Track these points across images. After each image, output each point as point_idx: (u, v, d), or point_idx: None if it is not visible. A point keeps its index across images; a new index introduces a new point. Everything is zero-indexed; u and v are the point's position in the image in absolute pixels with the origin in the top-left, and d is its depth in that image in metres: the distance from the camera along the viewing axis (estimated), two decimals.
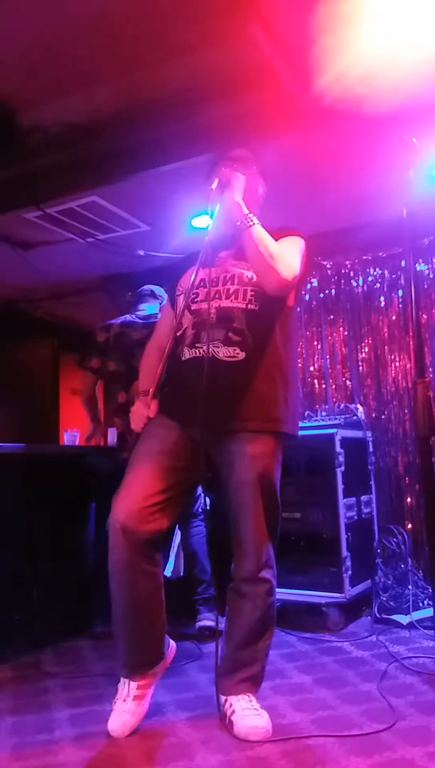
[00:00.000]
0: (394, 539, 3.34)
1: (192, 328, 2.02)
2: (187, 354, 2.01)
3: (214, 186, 1.97)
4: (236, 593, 2.00)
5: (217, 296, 2.01)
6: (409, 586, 3.08)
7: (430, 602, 2.97)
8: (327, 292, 4.06)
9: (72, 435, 3.62)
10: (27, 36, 2.21)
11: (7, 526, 2.75)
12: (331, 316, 4.04)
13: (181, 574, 3.09)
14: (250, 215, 1.95)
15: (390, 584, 3.16)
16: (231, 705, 1.90)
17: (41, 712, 2.08)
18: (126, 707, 1.90)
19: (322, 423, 3.42)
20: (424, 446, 2.07)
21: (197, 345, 1.99)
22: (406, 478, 3.65)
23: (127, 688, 1.93)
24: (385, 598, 3.09)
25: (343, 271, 4.02)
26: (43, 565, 2.88)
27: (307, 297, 4.12)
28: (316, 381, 4.04)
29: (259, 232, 1.95)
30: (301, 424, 3.54)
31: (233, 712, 1.87)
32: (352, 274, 4.00)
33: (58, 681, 2.37)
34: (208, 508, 3.03)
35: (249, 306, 2.00)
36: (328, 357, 4.01)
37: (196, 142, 2.69)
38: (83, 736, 1.88)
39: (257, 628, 1.97)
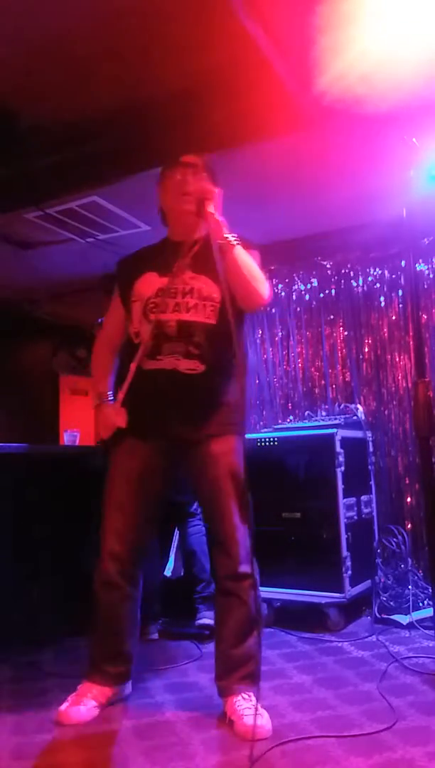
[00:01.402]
0: (394, 539, 3.34)
1: (152, 339, 2.04)
2: (147, 365, 2.05)
3: (209, 208, 1.99)
4: (221, 592, 2.05)
5: (177, 309, 2.04)
6: (409, 586, 3.08)
7: (430, 602, 2.97)
8: (327, 292, 4.07)
9: (72, 435, 3.62)
10: (27, 36, 2.21)
11: (7, 526, 2.75)
12: (331, 316, 4.04)
13: (181, 574, 3.10)
14: (230, 235, 2.00)
15: (390, 584, 3.17)
16: (231, 705, 1.91)
17: (41, 712, 2.08)
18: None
19: (322, 423, 3.42)
20: (424, 446, 2.07)
21: (158, 357, 2.03)
22: (406, 478, 3.65)
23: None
24: (385, 598, 3.09)
25: (343, 271, 4.02)
26: (43, 565, 2.88)
27: (307, 297, 4.12)
28: (316, 381, 4.05)
29: (243, 254, 2.01)
30: (300, 424, 3.57)
31: (233, 711, 1.88)
32: (352, 274, 4.00)
33: (58, 681, 2.37)
34: None
35: (209, 321, 2.05)
36: (328, 357, 4.01)
37: (196, 141, 2.69)
38: (83, 736, 1.88)
39: (247, 624, 2.00)
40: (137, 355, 2.04)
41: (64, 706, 2.02)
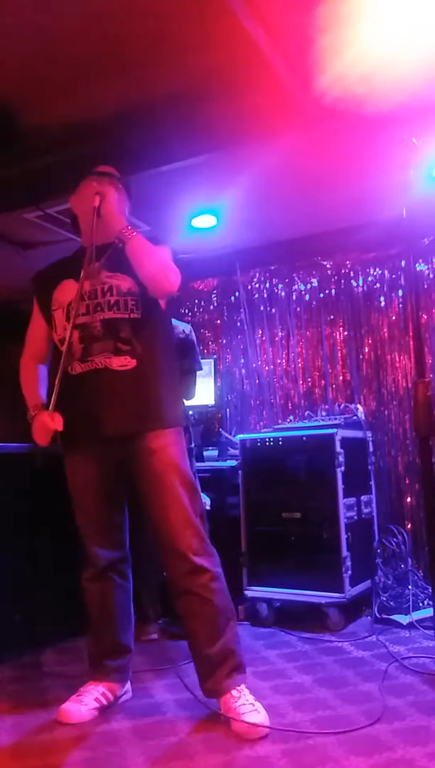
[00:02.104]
0: (394, 539, 3.34)
1: (79, 342, 2.06)
2: (78, 368, 2.07)
3: (96, 203, 2.04)
4: (180, 594, 2.00)
5: (99, 308, 2.06)
6: (409, 586, 3.08)
7: (430, 602, 2.97)
8: (327, 292, 4.06)
9: None
10: (27, 36, 2.21)
11: (8, 526, 2.75)
12: (331, 316, 4.04)
13: None
14: (129, 226, 2.05)
15: (390, 584, 3.16)
16: (225, 703, 1.90)
17: (41, 712, 2.08)
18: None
19: (322, 423, 3.42)
20: (424, 446, 2.07)
21: (89, 359, 2.05)
22: (406, 478, 3.65)
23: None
24: (385, 598, 3.09)
25: (343, 271, 4.02)
26: (43, 565, 2.88)
27: (307, 297, 4.12)
28: (316, 381, 4.05)
29: (143, 241, 2.05)
30: (300, 424, 3.58)
31: (229, 710, 1.87)
32: (352, 274, 4.00)
33: (58, 681, 2.37)
34: (208, 508, 3.03)
35: (132, 315, 2.07)
36: (328, 357, 4.01)
37: (196, 142, 2.69)
38: (83, 737, 1.88)
39: (217, 621, 1.96)
40: (63, 360, 2.05)
41: (64, 705, 2.03)
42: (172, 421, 2.09)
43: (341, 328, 4.01)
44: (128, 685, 2.20)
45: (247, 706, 1.86)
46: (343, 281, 4.02)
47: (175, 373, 2.21)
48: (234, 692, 1.91)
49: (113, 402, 2.02)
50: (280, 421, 3.99)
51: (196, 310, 4.49)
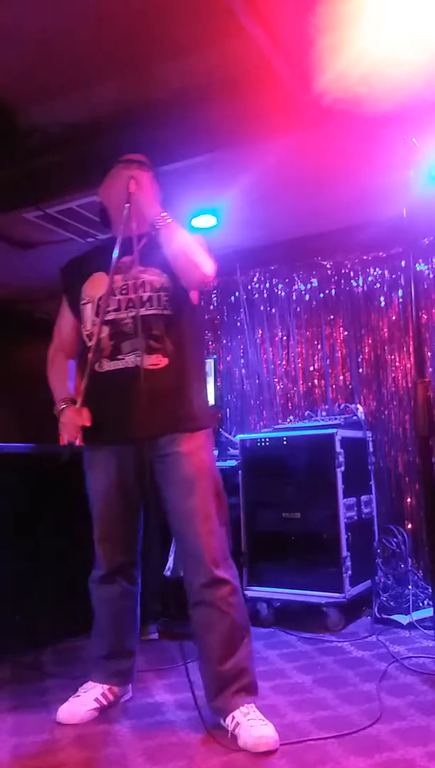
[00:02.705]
0: (394, 539, 3.34)
1: (109, 339, 2.00)
2: (107, 366, 2.01)
3: (132, 188, 1.98)
4: (198, 604, 1.93)
5: (131, 305, 2.00)
6: (409, 586, 3.08)
7: (430, 602, 2.97)
8: (327, 292, 4.06)
9: None
10: (27, 36, 2.21)
11: (8, 526, 2.75)
12: (331, 316, 4.04)
13: (181, 573, 3.09)
14: (164, 213, 1.98)
15: (390, 584, 3.16)
16: (233, 719, 1.81)
17: (41, 712, 2.08)
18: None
19: (322, 423, 3.42)
20: (424, 446, 2.07)
21: (119, 357, 1.99)
22: (406, 478, 3.65)
23: None
24: (385, 598, 3.09)
25: (343, 271, 4.02)
26: (43, 565, 2.88)
27: (307, 297, 4.12)
28: (316, 381, 4.04)
29: (179, 227, 1.98)
30: (300, 424, 3.58)
31: (237, 724, 1.78)
32: (352, 274, 4.00)
33: (58, 681, 2.37)
34: None
35: (165, 312, 2.01)
36: (328, 357, 4.01)
37: (196, 142, 2.69)
38: (83, 736, 1.88)
39: (232, 636, 1.89)
40: (91, 357, 1.99)
41: (64, 706, 2.02)
42: (204, 422, 2.04)
43: (341, 328, 4.01)
44: (129, 687, 2.19)
45: (256, 720, 1.79)
46: (343, 281, 4.02)
47: (205, 372, 2.15)
48: (243, 708, 1.82)
49: (144, 402, 1.94)
50: (280, 421, 3.99)
51: None
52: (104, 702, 2.06)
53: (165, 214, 1.98)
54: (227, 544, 1.98)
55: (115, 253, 1.99)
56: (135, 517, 2.13)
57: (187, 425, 1.99)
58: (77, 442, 2.05)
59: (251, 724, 1.77)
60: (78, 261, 2.25)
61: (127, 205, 1.98)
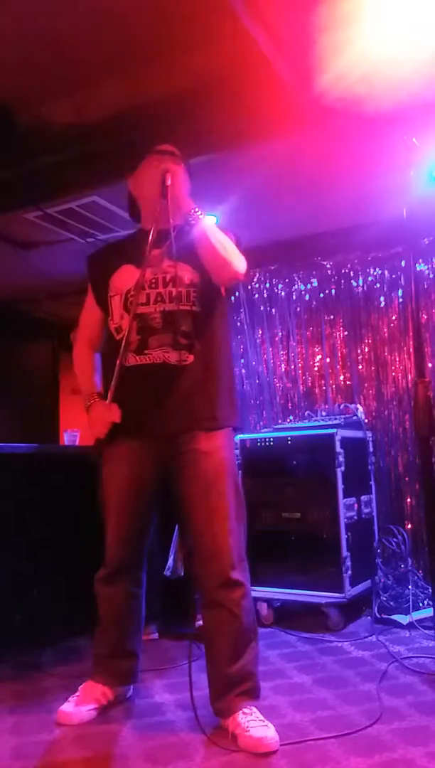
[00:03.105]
0: (394, 539, 3.34)
1: (137, 334, 1.98)
2: (133, 361, 1.99)
3: (168, 182, 1.95)
4: (210, 604, 1.93)
5: (160, 299, 1.98)
6: (409, 586, 3.08)
7: (430, 602, 2.97)
8: (327, 292, 4.06)
9: (72, 435, 3.61)
10: (27, 36, 2.21)
11: (8, 526, 2.75)
12: (331, 316, 4.04)
13: (181, 573, 3.09)
14: (197, 208, 1.96)
15: (390, 584, 3.17)
16: (233, 721, 1.81)
17: (41, 712, 2.08)
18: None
19: (322, 423, 3.42)
20: (424, 446, 2.07)
21: (146, 352, 1.97)
22: (406, 478, 3.65)
23: None
24: (385, 598, 3.09)
25: (343, 271, 4.02)
26: (43, 565, 2.88)
27: (307, 297, 4.12)
28: (316, 381, 4.05)
29: (212, 226, 1.96)
30: (300, 424, 3.58)
31: (237, 725, 1.79)
32: (352, 274, 4.00)
33: (58, 681, 2.37)
34: None
35: (193, 308, 1.99)
36: (328, 357, 4.01)
37: (196, 142, 2.69)
38: (83, 736, 1.88)
39: (241, 639, 1.89)
40: (121, 351, 1.97)
41: (64, 706, 2.01)
42: (226, 420, 2.02)
43: (341, 328, 4.01)
44: (130, 687, 2.19)
45: (257, 722, 1.79)
46: (343, 281, 4.02)
47: (232, 369, 2.13)
48: (244, 710, 1.82)
49: (169, 399, 1.94)
50: (280, 421, 3.99)
51: None
52: (104, 702, 2.06)
53: (198, 209, 1.96)
54: (244, 544, 1.98)
55: (147, 246, 1.96)
56: (148, 517, 2.12)
57: (208, 424, 1.97)
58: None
59: (252, 725, 1.77)
60: (106, 252, 2.22)
61: (163, 199, 1.95)
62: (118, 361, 1.97)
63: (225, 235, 2.00)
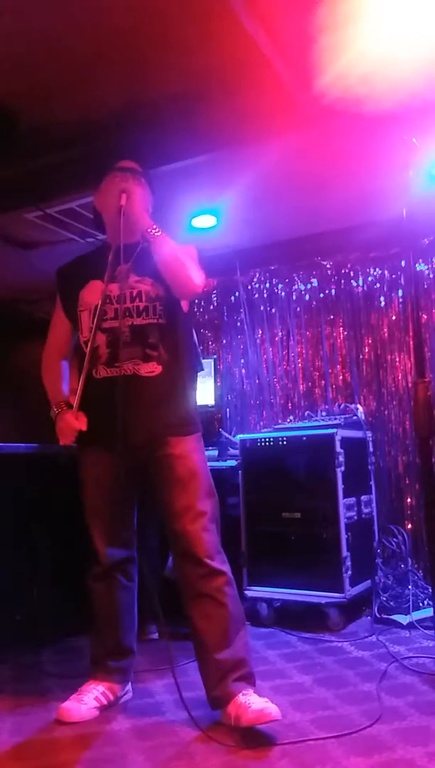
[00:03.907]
0: (394, 539, 3.34)
1: (106, 347, 2.06)
2: (104, 373, 2.06)
3: (123, 202, 2.04)
4: (193, 597, 1.99)
5: (128, 314, 2.06)
6: (409, 586, 3.08)
7: (430, 602, 2.97)
8: (327, 292, 4.06)
9: None
10: (27, 36, 2.21)
11: (8, 526, 2.75)
12: (331, 316, 4.04)
13: None
14: (155, 225, 2.05)
15: (390, 584, 3.16)
16: (234, 703, 1.84)
17: (41, 712, 2.08)
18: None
19: (322, 423, 3.42)
20: (424, 446, 2.07)
21: (117, 364, 2.03)
22: (406, 478, 3.65)
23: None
24: (385, 598, 3.09)
25: (343, 271, 4.02)
26: (43, 565, 2.88)
27: (307, 297, 4.12)
28: (316, 381, 4.04)
29: (169, 240, 2.05)
30: (300, 424, 3.58)
31: (239, 706, 1.81)
32: (352, 274, 4.00)
33: (58, 681, 2.37)
34: None
35: (159, 321, 2.08)
36: (328, 357, 4.01)
37: (196, 142, 2.69)
38: (83, 736, 1.88)
39: (229, 625, 1.94)
40: (87, 363, 2.05)
41: (65, 704, 2.03)
42: (195, 427, 2.11)
43: (341, 328, 4.01)
44: (129, 686, 2.20)
45: (257, 698, 1.84)
46: (343, 281, 4.02)
47: (196, 377, 2.21)
48: (242, 693, 1.86)
49: (140, 409, 2.02)
50: (280, 421, 3.99)
51: (196, 310, 4.49)
52: (104, 701, 2.07)
53: (155, 227, 2.06)
54: (219, 540, 2.04)
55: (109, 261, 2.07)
56: (128, 515, 2.18)
57: (178, 430, 2.06)
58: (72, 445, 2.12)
59: (253, 701, 1.81)
60: (74, 266, 2.29)
61: (119, 217, 2.04)
62: (84, 372, 2.05)
63: (183, 251, 2.07)
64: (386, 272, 3.89)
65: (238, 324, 4.27)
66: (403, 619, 2.92)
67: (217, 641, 1.92)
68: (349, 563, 3.02)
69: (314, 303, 4.10)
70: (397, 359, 3.80)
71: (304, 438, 3.24)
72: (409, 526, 3.55)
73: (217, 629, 1.93)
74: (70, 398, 2.16)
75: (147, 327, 2.06)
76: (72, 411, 2.08)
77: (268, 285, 4.24)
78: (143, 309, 2.07)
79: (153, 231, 2.04)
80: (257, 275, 4.27)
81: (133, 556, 2.21)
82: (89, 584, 2.18)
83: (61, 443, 2.12)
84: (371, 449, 3.57)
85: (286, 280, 4.19)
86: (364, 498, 3.36)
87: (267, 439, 3.32)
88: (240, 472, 3.35)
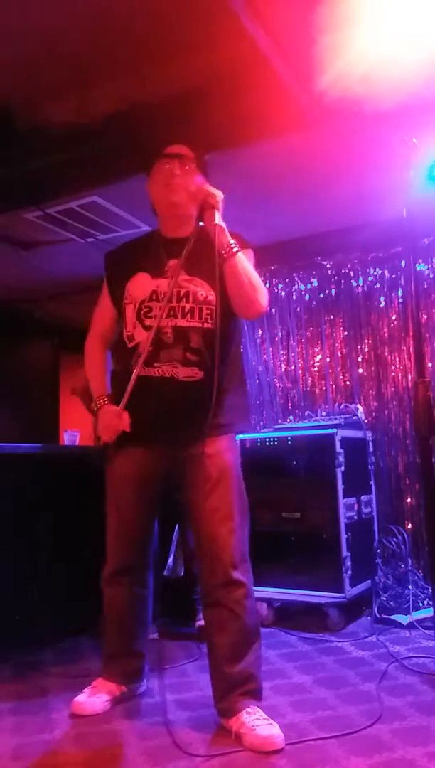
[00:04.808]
0: (394, 539, 3.34)
1: (148, 345, 1.96)
2: (143, 372, 1.97)
3: (217, 220, 1.93)
4: (211, 604, 1.95)
5: (172, 314, 1.97)
6: (409, 586, 3.08)
7: (430, 602, 2.97)
8: (327, 292, 4.06)
9: (72, 435, 3.61)
10: (27, 36, 2.21)
11: (8, 526, 2.75)
12: (331, 316, 4.04)
13: (181, 573, 3.09)
14: (233, 242, 1.94)
15: (390, 584, 3.16)
16: (238, 720, 1.82)
17: (41, 712, 2.08)
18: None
19: (322, 423, 3.42)
20: (424, 446, 2.07)
21: (156, 364, 1.97)
22: (406, 478, 3.65)
23: None
24: (385, 598, 3.09)
25: (343, 271, 4.02)
26: (43, 565, 2.88)
27: (307, 297, 4.12)
28: (316, 381, 4.04)
29: (244, 261, 1.96)
30: (300, 424, 3.57)
31: (242, 725, 1.79)
32: (352, 274, 4.00)
33: (58, 681, 2.37)
34: None
35: (205, 325, 1.97)
36: (328, 357, 4.01)
37: (196, 141, 2.68)
38: (83, 736, 1.88)
39: (243, 640, 1.90)
40: (134, 362, 1.98)
41: (78, 697, 2.05)
42: (230, 427, 2.05)
43: (341, 328, 4.01)
44: (144, 681, 2.22)
45: (262, 720, 1.80)
46: (343, 281, 4.01)
47: (243, 381, 2.17)
48: (248, 709, 1.83)
49: (176, 412, 1.97)
50: (280, 421, 3.99)
51: None
52: (117, 694, 2.10)
53: (234, 243, 1.94)
54: (246, 546, 1.99)
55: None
56: (152, 519, 2.17)
57: (213, 432, 1.99)
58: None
59: (257, 724, 1.78)
60: (123, 253, 2.19)
61: (214, 236, 1.93)
62: (134, 371, 1.97)
63: (252, 269, 1.99)
64: (386, 272, 3.89)
65: None
66: (403, 619, 2.92)
67: (229, 654, 1.89)
68: (349, 563, 3.02)
69: (314, 303, 4.10)
70: (397, 359, 3.80)
71: (304, 438, 3.24)
72: (409, 526, 3.55)
73: (230, 642, 1.90)
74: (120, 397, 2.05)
75: (190, 329, 1.96)
76: (116, 409, 2.00)
77: (268, 285, 4.24)
78: (189, 310, 1.97)
79: (231, 249, 1.93)
80: None
81: (147, 562, 2.17)
82: (102, 586, 2.16)
83: (103, 441, 2.05)
84: (371, 449, 3.57)
85: (286, 280, 4.19)
86: (364, 498, 3.36)
87: (267, 439, 3.32)
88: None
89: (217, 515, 1.94)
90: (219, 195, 1.97)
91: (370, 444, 3.57)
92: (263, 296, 1.99)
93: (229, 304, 1.98)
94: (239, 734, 1.79)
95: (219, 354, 1.97)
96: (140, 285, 2.03)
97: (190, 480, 2.00)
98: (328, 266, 4.06)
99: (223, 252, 1.93)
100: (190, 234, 2.00)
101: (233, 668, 1.88)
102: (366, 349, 3.91)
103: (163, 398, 1.96)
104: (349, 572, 3.01)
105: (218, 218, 1.94)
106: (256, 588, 3.12)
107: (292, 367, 4.11)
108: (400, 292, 3.84)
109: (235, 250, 1.94)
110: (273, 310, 4.21)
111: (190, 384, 1.96)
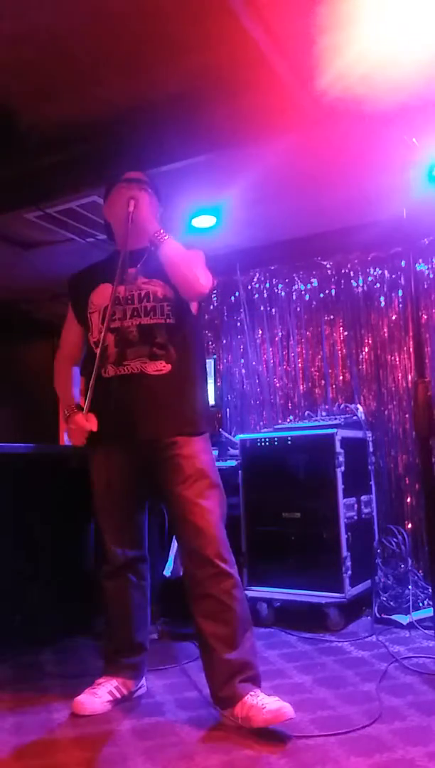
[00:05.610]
0: (394, 539, 3.34)
1: (114, 347, 2.10)
2: (113, 371, 2.11)
3: (131, 208, 2.09)
4: (200, 596, 1.99)
5: (135, 314, 2.11)
6: (409, 586, 3.08)
7: (430, 602, 2.97)
8: (327, 292, 4.06)
9: None
10: (27, 36, 2.21)
11: (7, 526, 2.75)
12: (331, 316, 4.04)
13: (181, 574, 3.09)
14: (162, 230, 2.11)
15: (390, 584, 3.16)
16: (243, 704, 1.85)
17: (41, 712, 2.08)
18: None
19: (322, 423, 3.42)
20: (424, 446, 2.07)
21: (124, 363, 2.09)
22: (406, 478, 3.65)
23: None
24: (385, 598, 3.09)
25: (343, 271, 4.02)
26: (43, 565, 2.88)
27: (307, 297, 4.12)
28: (316, 381, 4.04)
29: (176, 244, 2.11)
30: (300, 424, 3.58)
31: (250, 707, 1.83)
32: (352, 274, 4.00)
33: (58, 681, 2.37)
34: None
35: (168, 321, 2.11)
36: (328, 357, 4.01)
37: (196, 142, 2.69)
38: (83, 736, 1.88)
39: (237, 628, 1.94)
40: (97, 363, 2.08)
41: (79, 697, 2.06)
42: (203, 427, 2.13)
43: (341, 328, 4.01)
44: (143, 681, 2.23)
45: (268, 699, 1.84)
46: (343, 281, 4.02)
47: (206, 376, 2.25)
48: (251, 693, 1.87)
49: (148, 406, 2.06)
50: (280, 421, 3.99)
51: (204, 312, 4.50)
52: (118, 695, 2.10)
53: (162, 231, 2.11)
54: (227, 541, 2.05)
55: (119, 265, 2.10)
56: (138, 514, 2.22)
57: (187, 429, 2.08)
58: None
59: (266, 702, 1.83)
60: (85, 273, 2.33)
61: (128, 224, 2.09)
62: (94, 373, 2.08)
63: (189, 254, 2.12)
64: (386, 272, 3.89)
65: (238, 324, 4.27)
66: (403, 619, 2.92)
67: (225, 643, 1.93)
68: (349, 563, 3.02)
69: (314, 303, 4.10)
70: (397, 359, 3.80)
71: (304, 438, 3.24)
72: (409, 526, 3.55)
73: (223, 631, 1.94)
74: (81, 401, 2.19)
75: (154, 326, 2.10)
76: (82, 413, 2.10)
77: (268, 285, 4.24)
78: (151, 309, 2.11)
79: (160, 235, 2.09)
80: (257, 275, 4.27)
81: (144, 555, 2.24)
82: (101, 582, 2.21)
83: (73, 444, 2.15)
84: (371, 449, 3.57)
85: (286, 280, 4.19)
86: (364, 498, 3.36)
87: (267, 439, 3.32)
88: (240, 472, 3.35)
89: (197, 515, 2.00)
90: (145, 195, 2.16)
91: (370, 444, 3.57)
92: (203, 277, 2.10)
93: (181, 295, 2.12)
94: (248, 717, 1.82)
95: (183, 347, 2.12)
96: (103, 294, 2.17)
97: (171, 482, 2.06)
98: (328, 266, 4.06)
99: (151, 238, 2.10)
100: (147, 245, 2.16)
101: (230, 656, 1.92)
102: (366, 349, 3.91)
103: (136, 394, 2.07)
104: (349, 572, 3.01)
105: (148, 212, 2.12)
106: (256, 588, 3.18)
107: (292, 367, 4.11)
108: (400, 292, 3.84)
109: (165, 238, 2.09)
110: (273, 310, 4.22)
111: (159, 377, 2.08)
